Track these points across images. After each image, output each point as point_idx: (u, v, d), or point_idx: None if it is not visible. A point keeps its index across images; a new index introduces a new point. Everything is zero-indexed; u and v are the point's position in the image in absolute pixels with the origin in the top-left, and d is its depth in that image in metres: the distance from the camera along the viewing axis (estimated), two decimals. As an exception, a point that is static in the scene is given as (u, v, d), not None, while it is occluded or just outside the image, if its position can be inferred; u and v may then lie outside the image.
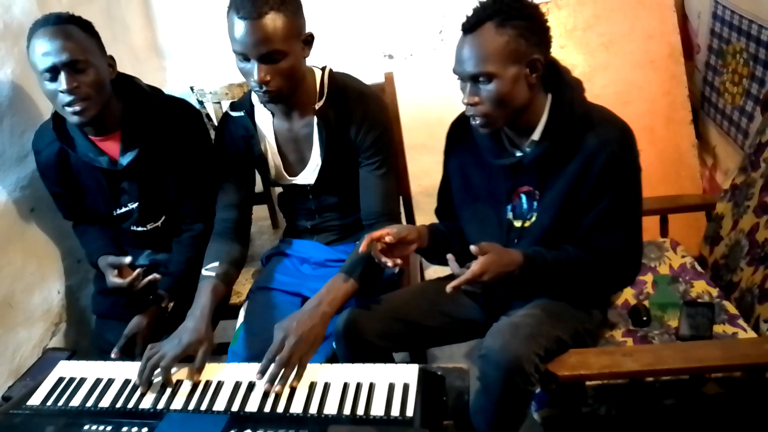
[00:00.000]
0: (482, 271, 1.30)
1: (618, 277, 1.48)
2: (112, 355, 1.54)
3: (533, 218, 1.44)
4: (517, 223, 1.46)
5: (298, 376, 1.30)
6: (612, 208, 1.38)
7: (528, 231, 1.44)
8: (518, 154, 1.44)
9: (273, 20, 1.35)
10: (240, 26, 1.36)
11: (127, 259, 1.59)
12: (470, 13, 1.32)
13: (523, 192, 1.45)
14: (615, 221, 1.39)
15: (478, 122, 1.37)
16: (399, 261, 1.40)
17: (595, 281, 1.44)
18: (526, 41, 1.29)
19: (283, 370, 1.29)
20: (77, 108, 1.50)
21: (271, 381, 1.27)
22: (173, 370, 1.35)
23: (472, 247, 1.30)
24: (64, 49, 1.47)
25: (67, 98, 1.49)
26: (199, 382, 1.33)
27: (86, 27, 1.55)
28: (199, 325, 1.41)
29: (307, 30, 1.47)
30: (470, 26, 1.30)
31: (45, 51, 1.47)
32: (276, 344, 1.33)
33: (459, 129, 1.57)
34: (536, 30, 1.32)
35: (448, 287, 1.32)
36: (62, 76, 1.47)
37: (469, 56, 1.30)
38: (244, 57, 1.40)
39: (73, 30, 1.51)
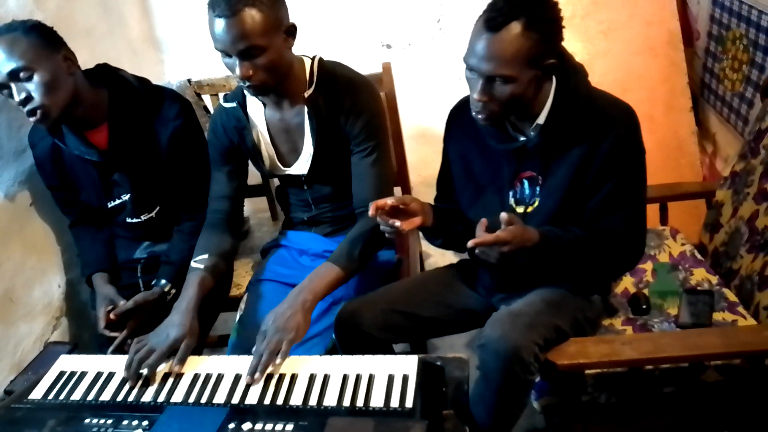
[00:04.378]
0: (508, 238, 1.26)
1: (621, 260, 1.45)
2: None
3: (535, 203, 1.43)
4: (519, 209, 1.45)
5: (283, 356, 1.30)
6: (617, 191, 1.37)
7: (530, 216, 1.43)
8: (522, 138, 1.42)
9: (249, 16, 1.34)
10: (217, 24, 1.36)
11: (125, 305, 1.62)
12: (494, 5, 1.25)
13: (525, 177, 1.44)
14: (619, 204, 1.38)
15: (481, 117, 1.35)
16: (402, 226, 1.38)
17: (600, 262, 1.42)
18: (548, 45, 1.26)
19: (262, 361, 1.30)
20: (37, 117, 1.50)
21: (251, 374, 1.28)
22: (160, 367, 1.37)
23: (503, 215, 1.27)
24: (5, 60, 1.45)
25: (24, 108, 1.49)
26: (199, 375, 1.34)
27: (32, 29, 1.50)
28: (184, 320, 1.43)
29: (291, 20, 1.45)
30: (495, 25, 1.23)
31: None
32: (258, 341, 1.35)
33: (459, 115, 1.55)
34: (557, 32, 1.28)
35: (470, 243, 1.27)
36: (12, 90, 1.47)
37: (489, 56, 1.24)
38: (225, 53, 1.40)
39: (14, 38, 1.47)
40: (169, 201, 1.77)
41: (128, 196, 1.73)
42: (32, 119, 1.50)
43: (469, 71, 1.31)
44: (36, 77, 1.48)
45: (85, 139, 1.64)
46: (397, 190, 2.01)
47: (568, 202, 1.40)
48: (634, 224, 1.41)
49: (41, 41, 1.51)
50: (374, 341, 1.49)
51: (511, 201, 1.47)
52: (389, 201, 1.39)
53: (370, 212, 1.37)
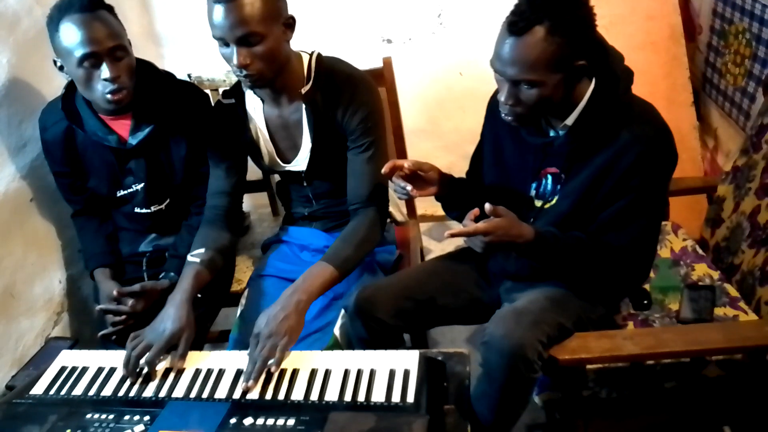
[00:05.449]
0: (488, 230, 1.26)
1: (623, 278, 1.43)
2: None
3: (554, 201, 1.42)
4: (538, 203, 1.45)
5: (278, 363, 1.29)
6: (630, 208, 1.34)
7: (546, 213, 1.43)
8: (551, 134, 1.41)
9: (249, 2, 1.35)
10: (216, 10, 1.36)
11: (132, 287, 1.60)
12: (517, 8, 1.22)
13: (549, 173, 1.43)
14: (630, 221, 1.35)
15: (510, 119, 1.34)
16: (414, 192, 1.42)
17: (600, 275, 1.41)
18: (574, 49, 1.23)
19: (256, 367, 1.28)
20: (118, 96, 1.53)
21: (246, 380, 1.26)
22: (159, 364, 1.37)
23: (487, 206, 1.27)
24: (106, 36, 1.48)
25: (110, 86, 1.51)
26: (201, 370, 1.34)
27: (113, 11, 1.55)
28: (180, 313, 1.43)
29: (290, 13, 1.46)
30: (518, 29, 1.21)
31: (83, 38, 1.47)
32: (251, 344, 1.34)
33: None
34: (586, 33, 1.25)
35: (447, 233, 1.27)
36: (105, 65, 1.49)
37: (513, 60, 1.23)
38: (224, 42, 1.40)
39: (107, 16, 1.52)
40: (180, 195, 1.78)
41: (141, 185, 1.73)
42: (115, 97, 1.53)
43: (496, 73, 1.30)
44: (125, 60, 1.54)
45: (105, 125, 1.65)
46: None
47: (582, 207, 1.38)
48: (642, 245, 1.39)
49: (117, 20, 1.56)
50: (387, 328, 1.49)
51: (532, 193, 1.46)
52: (406, 164, 1.39)
53: (384, 170, 1.36)
